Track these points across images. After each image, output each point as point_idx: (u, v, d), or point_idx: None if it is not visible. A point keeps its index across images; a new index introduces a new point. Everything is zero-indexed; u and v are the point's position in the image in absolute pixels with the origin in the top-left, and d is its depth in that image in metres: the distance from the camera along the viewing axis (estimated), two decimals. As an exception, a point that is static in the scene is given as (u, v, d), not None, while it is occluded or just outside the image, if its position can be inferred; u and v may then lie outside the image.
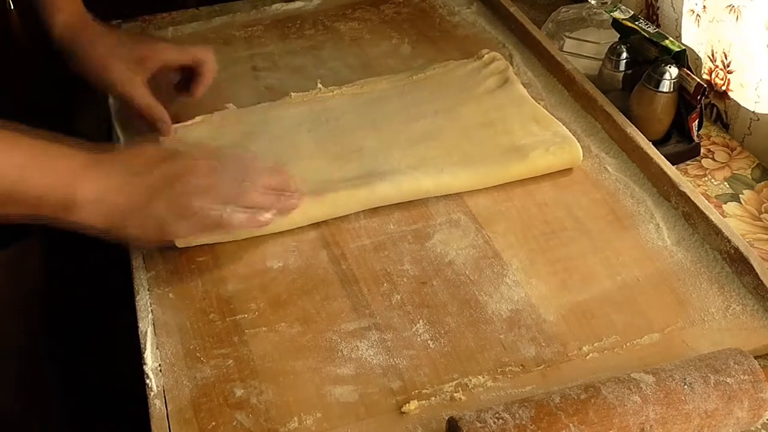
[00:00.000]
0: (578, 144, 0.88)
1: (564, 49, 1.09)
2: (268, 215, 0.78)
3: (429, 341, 0.71)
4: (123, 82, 0.90)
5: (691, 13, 1.02)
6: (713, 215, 0.79)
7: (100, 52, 0.91)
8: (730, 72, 0.97)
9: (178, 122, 0.93)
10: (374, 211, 0.84)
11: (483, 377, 0.68)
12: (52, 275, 1.16)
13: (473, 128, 0.91)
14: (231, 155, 0.82)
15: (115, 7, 1.04)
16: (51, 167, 0.70)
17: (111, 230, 0.74)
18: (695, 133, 0.94)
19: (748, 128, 0.96)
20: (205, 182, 0.76)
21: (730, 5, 0.95)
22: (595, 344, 0.70)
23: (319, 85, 0.99)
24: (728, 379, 0.62)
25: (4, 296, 1.09)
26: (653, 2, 1.11)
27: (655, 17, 1.11)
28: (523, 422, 0.58)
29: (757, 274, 0.73)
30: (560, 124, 0.90)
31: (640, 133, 0.89)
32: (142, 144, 0.84)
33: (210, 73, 0.96)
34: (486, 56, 1.01)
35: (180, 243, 0.79)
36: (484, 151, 0.87)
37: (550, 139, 0.88)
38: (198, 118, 0.95)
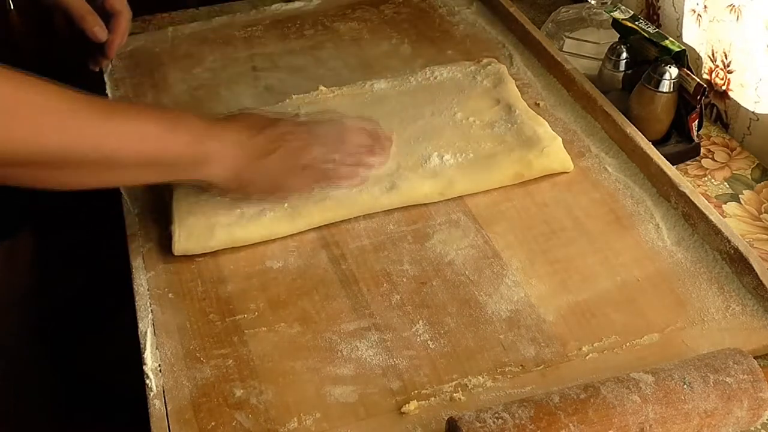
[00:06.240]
0: (564, 151, 0.88)
1: (564, 49, 1.09)
2: (365, 172, 0.84)
3: (429, 341, 0.71)
4: None
5: (692, 12, 1.02)
6: (713, 215, 0.79)
7: None
8: (730, 72, 0.97)
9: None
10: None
11: (482, 377, 0.68)
12: (47, 274, 1.15)
13: (469, 129, 0.91)
14: (326, 119, 0.87)
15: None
16: (184, 130, 0.77)
17: (235, 187, 0.80)
18: (695, 133, 0.94)
19: (748, 128, 0.96)
20: (307, 141, 0.82)
21: (730, 5, 0.95)
22: (595, 344, 0.70)
23: (321, 87, 0.98)
24: (728, 379, 0.62)
25: None
26: (654, 2, 1.11)
27: (656, 17, 1.11)
28: (523, 422, 0.59)
29: (756, 274, 0.73)
30: (548, 127, 0.90)
31: (639, 133, 0.89)
32: (243, 112, 0.88)
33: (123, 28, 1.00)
34: (484, 60, 1.02)
35: (177, 251, 0.79)
36: (481, 154, 0.87)
37: (539, 143, 0.88)
38: None
